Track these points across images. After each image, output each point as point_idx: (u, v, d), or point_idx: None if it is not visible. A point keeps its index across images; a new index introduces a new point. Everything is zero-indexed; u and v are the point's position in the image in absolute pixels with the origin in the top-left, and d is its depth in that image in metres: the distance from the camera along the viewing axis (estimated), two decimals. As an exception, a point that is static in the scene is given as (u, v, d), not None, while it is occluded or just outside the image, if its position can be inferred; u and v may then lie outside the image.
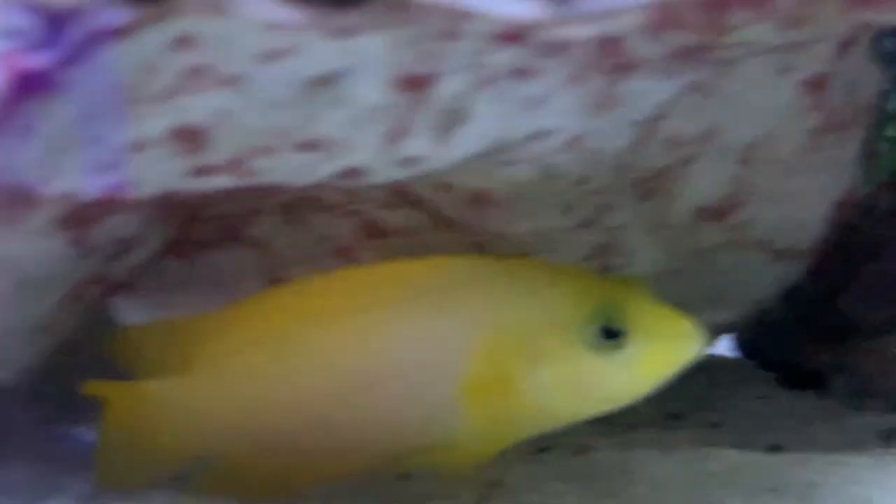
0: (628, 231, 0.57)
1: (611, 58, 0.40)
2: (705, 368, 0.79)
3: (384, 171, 0.42)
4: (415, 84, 0.39)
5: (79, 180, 0.39)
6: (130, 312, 0.55)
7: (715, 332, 0.72)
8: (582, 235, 0.55)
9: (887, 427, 0.63)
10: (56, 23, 0.36)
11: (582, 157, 0.45)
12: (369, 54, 0.37)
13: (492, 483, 0.52)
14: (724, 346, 0.84)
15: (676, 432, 0.66)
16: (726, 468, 0.54)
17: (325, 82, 0.38)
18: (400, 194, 0.47)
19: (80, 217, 0.43)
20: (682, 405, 0.70)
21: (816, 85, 0.60)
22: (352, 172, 0.42)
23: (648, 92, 0.43)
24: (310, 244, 0.51)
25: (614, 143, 0.46)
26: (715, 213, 0.61)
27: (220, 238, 0.52)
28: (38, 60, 0.36)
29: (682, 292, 0.52)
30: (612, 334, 0.44)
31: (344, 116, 0.39)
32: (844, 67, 0.62)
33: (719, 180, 0.60)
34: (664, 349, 0.44)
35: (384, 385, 0.45)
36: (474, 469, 0.47)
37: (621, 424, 0.62)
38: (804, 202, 0.66)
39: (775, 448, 0.62)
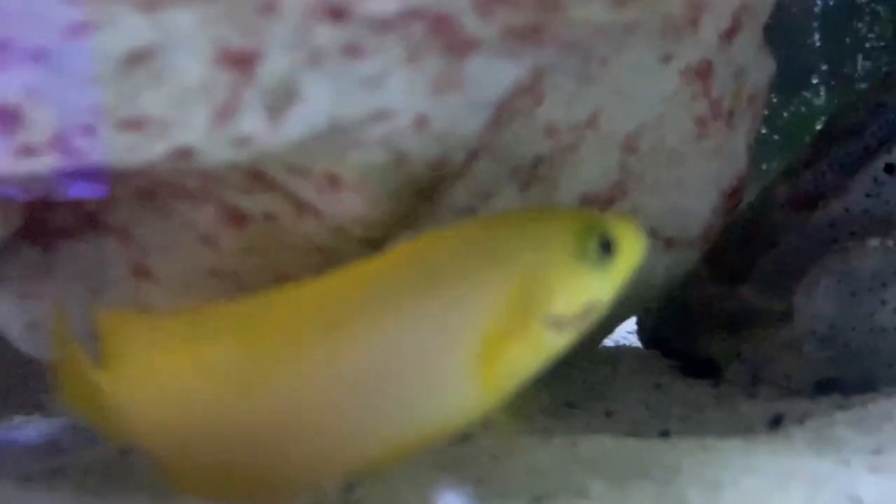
0: (511, 219, 0.57)
1: (444, 37, 0.39)
2: (603, 357, 0.80)
3: (217, 151, 0.41)
4: (238, 60, 0.38)
5: None
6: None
7: (610, 322, 0.72)
8: (459, 222, 0.54)
9: (775, 413, 0.64)
10: None
11: (433, 139, 0.45)
12: (183, 28, 0.36)
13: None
14: (623, 335, 0.84)
15: (570, 421, 0.65)
16: (599, 454, 0.54)
17: (140, 58, 0.38)
18: (257, 179, 0.47)
19: None
20: (579, 394, 0.70)
21: (700, 73, 0.61)
22: (184, 153, 0.41)
23: (492, 73, 0.43)
24: (173, 231, 0.50)
25: (466, 125, 0.45)
26: (601, 200, 0.61)
27: (79, 225, 0.51)
28: None
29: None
30: (606, 248, 0.44)
31: (166, 94, 0.38)
32: (730, 56, 0.62)
33: (604, 168, 0.60)
34: (630, 252, 0.45)
35: (387, 384, 0.43)
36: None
37: (515, 413, 0.62)
38: (692, 191, 0.66)
39: (665, 434, 0.62)
